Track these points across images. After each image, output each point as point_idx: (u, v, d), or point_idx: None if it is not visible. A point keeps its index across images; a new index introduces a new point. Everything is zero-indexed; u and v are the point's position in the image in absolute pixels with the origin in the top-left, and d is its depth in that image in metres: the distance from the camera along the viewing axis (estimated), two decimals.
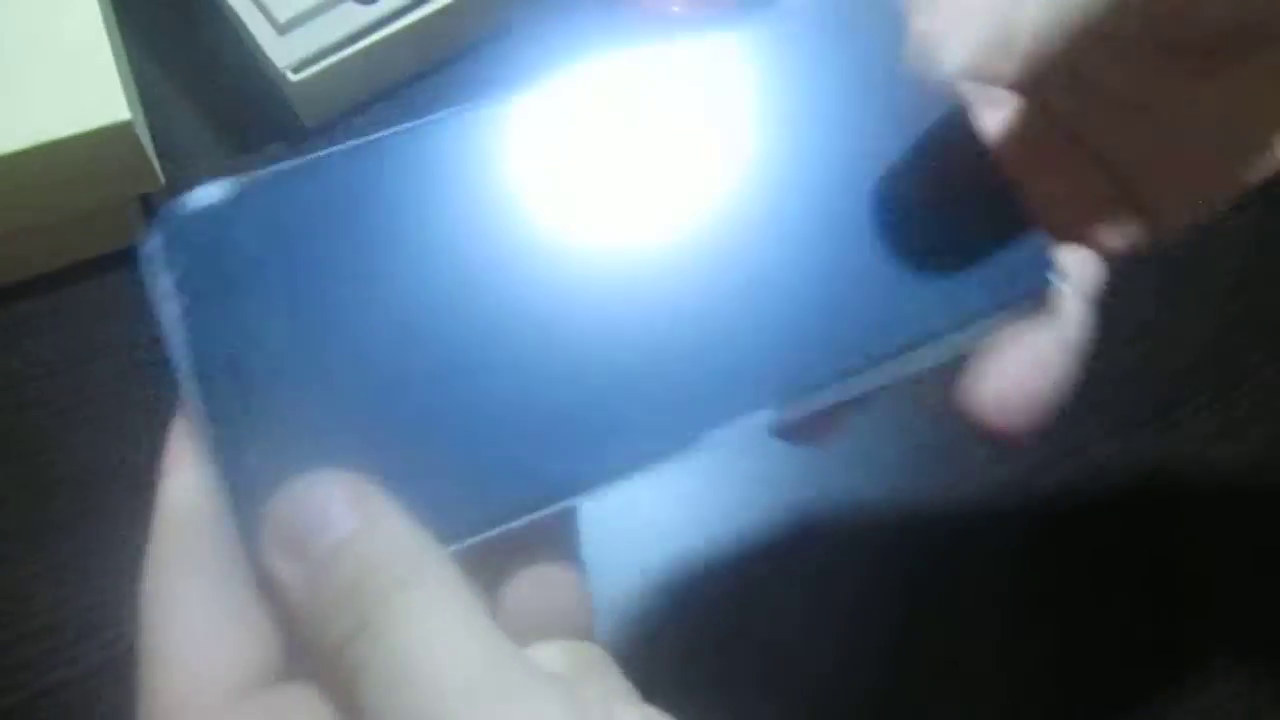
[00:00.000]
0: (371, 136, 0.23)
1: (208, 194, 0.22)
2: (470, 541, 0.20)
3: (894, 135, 0.24)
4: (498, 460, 0.21)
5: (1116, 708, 0.41)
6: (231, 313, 0.22)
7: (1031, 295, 0.23)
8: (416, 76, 0.50)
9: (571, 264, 0.23)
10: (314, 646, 0.18)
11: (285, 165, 0.23)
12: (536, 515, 0.21)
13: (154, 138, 0.45)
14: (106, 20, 0.42)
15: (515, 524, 0.21)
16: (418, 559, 0.18)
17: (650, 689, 0.21)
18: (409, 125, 0.23)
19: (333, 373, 0.21)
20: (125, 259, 0.46)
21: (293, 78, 0.45)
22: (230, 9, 0.46)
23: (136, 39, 0.48)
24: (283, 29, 0.45)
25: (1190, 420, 0.44)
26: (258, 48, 0.46)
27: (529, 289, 0.22)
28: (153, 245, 0.22)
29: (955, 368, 0.23)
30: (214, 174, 0.22)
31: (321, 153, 0.23)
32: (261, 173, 0.22)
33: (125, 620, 0.38)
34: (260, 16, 0.46)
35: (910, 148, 0.24)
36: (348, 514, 0.18)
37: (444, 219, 0.23)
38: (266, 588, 0.19)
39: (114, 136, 0.40)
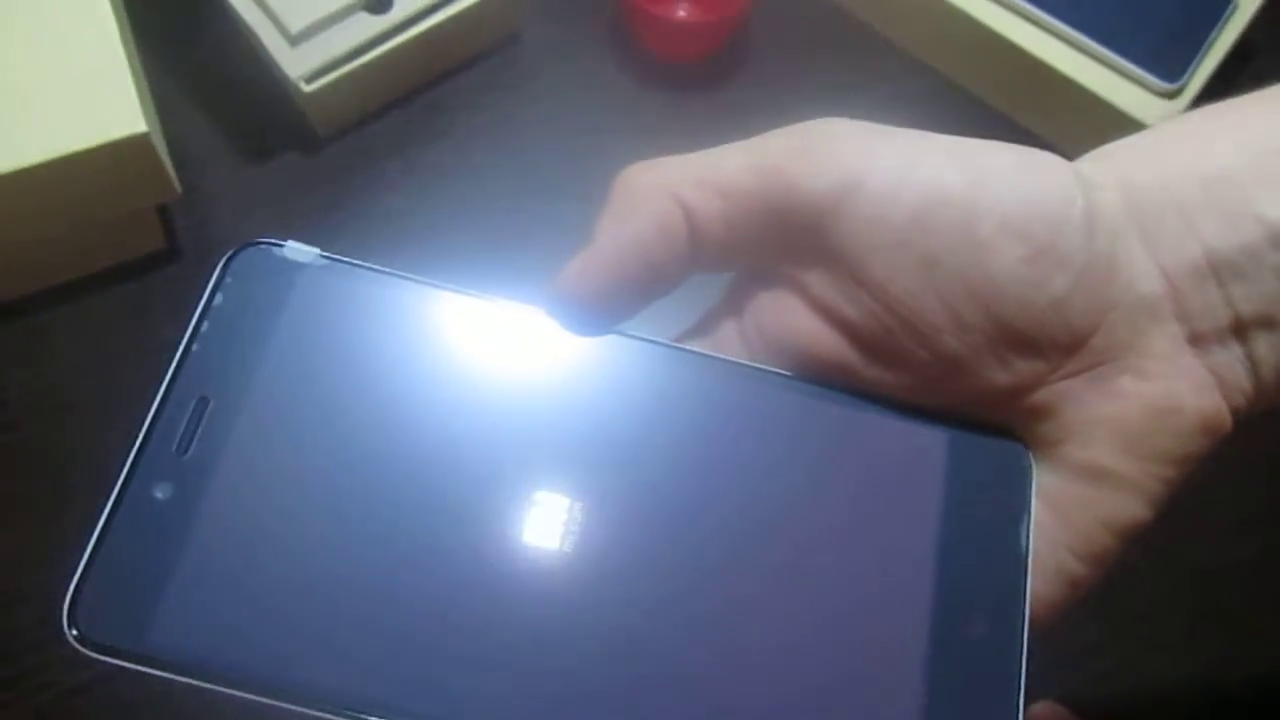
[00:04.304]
0: (473, 294, 0.23)
1: (304, 254, 0.22)
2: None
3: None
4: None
5: None
6: (235, 366, 0.21)
7: None
8: (428, 84, 0.51)
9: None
10: None
11: (390, 275, 0.22)
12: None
13: (170, 149, 0.46)
14: (122, 34, 0.42)
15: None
16: None
17: None
18: (526, 308, 0.23)
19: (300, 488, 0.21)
20: (144, 266, 0.46)
21: (306, 88, 0.46)
22: (243, 21, 0.47)
23: (151, 52, 0.49)
24: (295, 40, 0.46)
25: None
26: (271, 59, 0.46)
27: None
28: (225, 264, 0.22)
29: None
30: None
31: (427, 282, 0.22)
32: (361, 265, 0.22)
33: None
34: (273, 28, 0.46)
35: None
36: None
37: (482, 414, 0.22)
38: None
39: (131, 148, 0.40)
